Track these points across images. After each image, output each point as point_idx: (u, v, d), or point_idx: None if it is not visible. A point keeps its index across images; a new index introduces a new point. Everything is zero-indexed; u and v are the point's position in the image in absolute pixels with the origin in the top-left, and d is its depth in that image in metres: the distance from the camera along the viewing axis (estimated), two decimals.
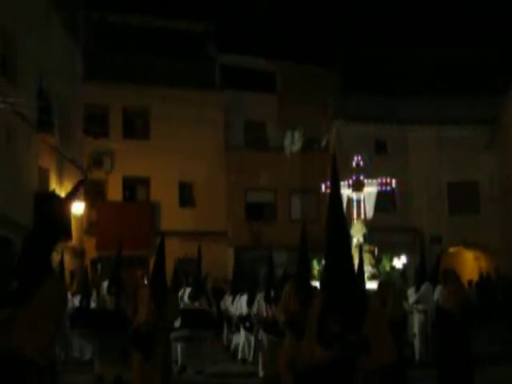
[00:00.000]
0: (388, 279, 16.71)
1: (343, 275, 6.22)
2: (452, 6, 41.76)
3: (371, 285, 18.16)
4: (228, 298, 21.59)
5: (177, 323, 14.27)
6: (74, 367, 18.01)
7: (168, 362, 11.11)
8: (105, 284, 16.25)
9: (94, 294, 16.82)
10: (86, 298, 17.75)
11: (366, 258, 19.93)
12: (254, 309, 15.97)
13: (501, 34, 36.06)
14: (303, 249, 10.90)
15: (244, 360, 18.50)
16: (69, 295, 19.86)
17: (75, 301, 19.07)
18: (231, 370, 17.86)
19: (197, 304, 16.95)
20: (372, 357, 5.97)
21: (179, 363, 16.65)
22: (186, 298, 17.04)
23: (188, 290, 17.38)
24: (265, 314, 14.76)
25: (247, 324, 17.90)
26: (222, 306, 21.75)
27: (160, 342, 10.81)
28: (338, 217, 6.76)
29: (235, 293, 20.51)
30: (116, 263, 16.17)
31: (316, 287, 12.38)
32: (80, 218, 30.46)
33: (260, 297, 15.46)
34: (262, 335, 14.59)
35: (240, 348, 18.89)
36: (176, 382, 11.98)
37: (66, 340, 18.97)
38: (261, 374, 14.78)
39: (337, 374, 5.96)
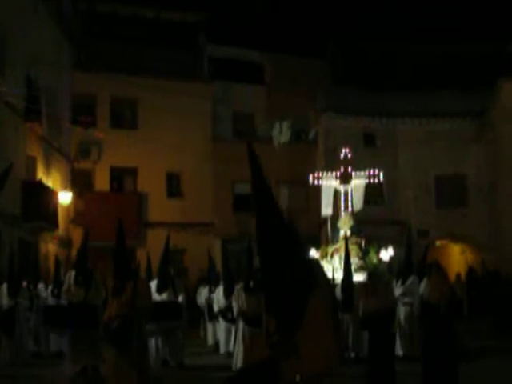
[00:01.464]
0: (378, 270, 16.71)
1: (279, 270, 5.59)
2: (440, 1, 41.88)
3: (358, 277, 18.23)
4: (203, 290, 21.48)
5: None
6: (52, 361, 17.87)
7: (144, 355, 10.60)
8: (72, 274, 15.49)
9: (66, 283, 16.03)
10: (57, 287, 17.73)
11: (353, 250, 20.00)
12: (234, 300, 15.78)
13: (489, 27, 36.17)
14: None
15: (229, 353, 17.94)
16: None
17: (48, 291, 19.06)
18: (212, 363, 17.55)
19: (164, 297, 16.57)
20: (302, 363, 5.31)
21: (160, 357, 16.46)
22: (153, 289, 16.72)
23: (155, 281, 16.88)
24: (245, 305, 14.64)
25: (229, 315, 17.55)
26: (198, 298, 21.72)
27: (133, 335, 10.23)
28: (267, 200, 6.10)
29: (212, 284, 20.38)
30: (81, 252, 15.51)
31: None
32: (67, 208, 30.41)
33: (239, 287, 15.22)
34: (244, 327, 14.55)
35: (222, 341, 18.65)
36: (155, 377, 11.46)
37: (42, 334, 18.89)
38: (237, 366, 14.63)
39: (255, 380, 5.39)
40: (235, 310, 15.25)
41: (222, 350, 18.51)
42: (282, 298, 5.50)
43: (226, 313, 17.92)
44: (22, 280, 18.23)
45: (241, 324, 14.75)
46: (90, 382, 13.78)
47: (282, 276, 5.58)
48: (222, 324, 18.61)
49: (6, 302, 17.38)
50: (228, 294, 17.73)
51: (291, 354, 5.32)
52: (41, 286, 19.59)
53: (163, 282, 16.62)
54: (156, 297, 16.22)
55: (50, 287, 19.01)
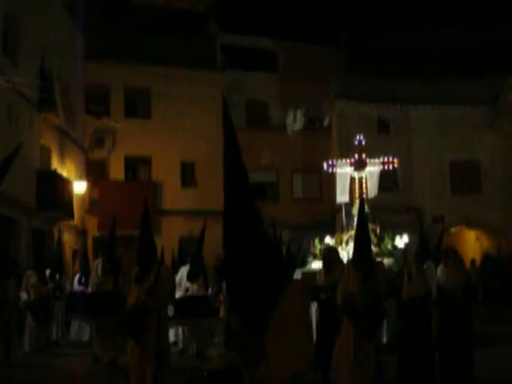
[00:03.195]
0: (411, 255, 16.55)
1: (246, 266, 5.26)
2: None
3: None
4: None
5: (170, 312, 13.88)
6: (71, 350, 17.96)
7: (162, 346, 10.04)
8: (99, 263, 15.58)
9: (94, 273, 16.18)
10: (85, 276, 17.71)
11: None
12: None
13: (504, 15, 35.89)
14: (360, 221, 10.64)
15: None
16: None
17: (75, 280, 19.11)
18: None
19: (194, 287, 16.38)
20: (270, 367, 5.03)
21: (179, 346, 16.34)
22: (184, 277, 16.51)
23: (186, 268, 16.83)
24: None
25: None
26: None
27: (151, 325, 9.85)
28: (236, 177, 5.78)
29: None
30: (110, 241, 15.58)
31: (380, 262, 12.14)
32: (82, 197, 30.49)
33: None
34: None
35: None
36: (173, 367, 11.14)
37: (63, 323, 18.91)
38: None
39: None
40: None
41: None
42: (249, 296, 5.20)
43: None
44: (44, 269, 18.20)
45: None
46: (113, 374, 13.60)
47: (249, 273, 5.27)
48: None
49: (33, 291, 17.15)
50: None
51: (258, 358, 5.04)
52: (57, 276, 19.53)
53: (195, 270, 16.42)
54: (187, 285, 16.25)
55: (77, 276, 19.02)
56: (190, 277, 16.39)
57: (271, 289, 5.22)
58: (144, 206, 10.93)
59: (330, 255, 12.50)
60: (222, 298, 19.63)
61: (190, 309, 15.47)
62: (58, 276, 18.78)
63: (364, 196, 21.31)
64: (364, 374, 9.66)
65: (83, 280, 17.86)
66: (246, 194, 5.74)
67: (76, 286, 18.53)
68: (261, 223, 5.66)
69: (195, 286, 16.46)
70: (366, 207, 21.19)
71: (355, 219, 21.00)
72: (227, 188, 5.69)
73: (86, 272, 17.88)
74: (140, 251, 10.52)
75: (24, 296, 17.04)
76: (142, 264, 10.30)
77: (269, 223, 15.78)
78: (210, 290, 17.34)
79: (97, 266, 15.55)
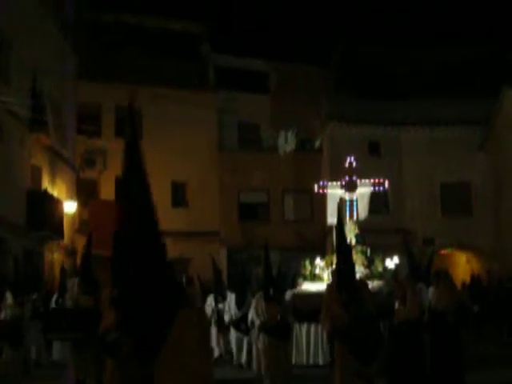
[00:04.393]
0: (402, 277, 16.41)
1: (139, 287, 5.09)
2: (443, 10, 41.87)
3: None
4: (209, 300, 19.84)
5: None
6: (54, 371, 17.26)
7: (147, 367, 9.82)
8: (75, 282, 14.61)
9: (70, 292, 15.39)
10: (62, 296, 17.33)
11: (359, 258, 19.92)
12: (251, 310, 15.42)
13: (493, 36, 36.13)
14: (341, 242, 10.48)
15: (240, 365, 17.55)
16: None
17: (52, 300, 18.71)
18: (227, 376, 16.50)
19: None
20: None
21: None
22: None
23: None
24: (266, 315, 13.99)
25: (242, 326, 17.03)
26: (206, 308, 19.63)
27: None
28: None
29: (218, 293, 19.28)
30: (84, 260, 14.38)
31: (362, 281, 11.91)
32: (72, 217, 30.40)
33: (259, 296, 14.51)
34: (264, 338, 13.94)
35: (235, 352, 17.99)
36: None
37: (43, 343, 18.49)
38: (265, 382, 13.90)
39: None
40: (255, 319, 14.49)
41: (236, 360, 17.86)
42: (142, 317, 4.99)
43: (238, 323, 17.47)
44: (26, 289, 17.85)
45: (261, 335, 14.05)
46: None
47: (143, 294, 5.06)
48: (233, 335, 18.02)
49: (9, 311, 16.95)
50: (240, 303, 17.44)
51: None
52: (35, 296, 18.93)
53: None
54: None
55: (54, 296, 18.72)
56: None
57: (163, 313, 5.00)
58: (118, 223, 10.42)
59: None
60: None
61: None
62: (35, 296, 18.53)
63: (355, 218, 21.33)
64: None
65: (60, 300, 17.50)
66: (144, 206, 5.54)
67: (53, 306, 18.11)
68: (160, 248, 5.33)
69: None
70: (355, 228, 21.29)
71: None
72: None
73: (63, 292, 17.42)
74: (114, 271, 9.93)
75: (1, 316, 16.79)
76: (117, 285, 9.81)
77: (261, 245, 15.64)
78: None
79: (72, 285, 14.87)
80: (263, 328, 13.99)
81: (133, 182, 5.45)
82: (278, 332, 13.72)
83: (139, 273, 5.06)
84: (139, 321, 4.94)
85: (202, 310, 10.67)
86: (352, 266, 10.31)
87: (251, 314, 15.06)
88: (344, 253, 10.21)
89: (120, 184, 5.43)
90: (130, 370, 5.07)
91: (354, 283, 9.99)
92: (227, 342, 18.75)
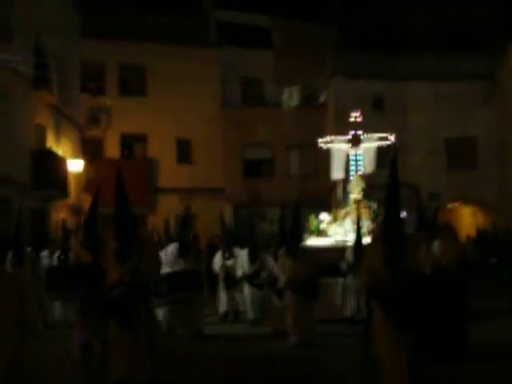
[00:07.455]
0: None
1: None
2: None
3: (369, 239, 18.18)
4: (218, 256, 19.34)
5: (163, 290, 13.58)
6: (56, 332, 16.91)
7: (151, 329, 9.25)
8: (79, 237, 14.38)
9: (74, 247, 15.20)
10: (65, 253, 16.89)
11: (365, 213, 19.97)
12: (274, 266, 15.31)
13: None
14: (392, 190, 9.98)
15: (256, 321, 17.15)
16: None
17: (54, 257, 18.33)
18: (240, 332, 16.50)
19: (182, 263, 15.52)
20: None
21: (166, 327, 15.08)
22: (172, 254, 15.64)
23: (175, 245, 15.92)
24: (293, 272, 13.88)
25: (257, 281, 17.02)
26: (215, 265, 19.31)
27: (139, 307, 9.11)
28: None
29: (226, 249, 18.86)
30: (90, 216, 14.14)
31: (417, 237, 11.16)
32: (78, 176, 30.43)
33: (283, 252, 14.35)
34: (292, 295, 13.88)
35: (249, 308, 17.54)
36: (168, 354, 10.15)
37: (44, 303, 17.74)
38: (292, 339, 13.78)
39: None
40: (280, 276, 14.37)
41: (250, 316, 17.45)
42: None
43: (252, 278, 17.36)
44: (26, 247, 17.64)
45: (288, 292, 14.03)
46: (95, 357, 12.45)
47: None
48: (247, 290, 17.66)
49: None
50: (253, 259, 17.37)
51: None
52: (45, 253, 18.60)
53: (184, 246, 15.74)
54: (179, 261, 15.52)
55: (56, 254, 18.39)
56: (181, 253, 15.69)
57: None
58: (117, 175, 10.40)
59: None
60: None
61: (181, 284, 14.94)
62: (45, 253, 18.40)
63: (360, 172, 21.34)
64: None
65: (63, 257, 17.29)
66: None
67: (55, 263, 17.78)
68: None
69: (183, 262, 15.59)
70: (362, 183, 21.30)
71: (349, 196, 21.04)
72: None
73: (66, 249, 17.22)
74: (117, 226, 9.62)
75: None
76: (121, 240, 9.45)
77: (266, 202, 15.64)
78: (200, 266, 16.66)
79: (78, 241, 14.54)
80: (290, 285, 13.95)
81: None
82: (306, 289, 13.79)
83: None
84: None
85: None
86: (401, 218, 9.42)
87: (275, 271, 15.09)
88: (395, 202, 9.64)
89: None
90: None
91: (403, 236, 8.86)
92: (233, 299, 18.52)
